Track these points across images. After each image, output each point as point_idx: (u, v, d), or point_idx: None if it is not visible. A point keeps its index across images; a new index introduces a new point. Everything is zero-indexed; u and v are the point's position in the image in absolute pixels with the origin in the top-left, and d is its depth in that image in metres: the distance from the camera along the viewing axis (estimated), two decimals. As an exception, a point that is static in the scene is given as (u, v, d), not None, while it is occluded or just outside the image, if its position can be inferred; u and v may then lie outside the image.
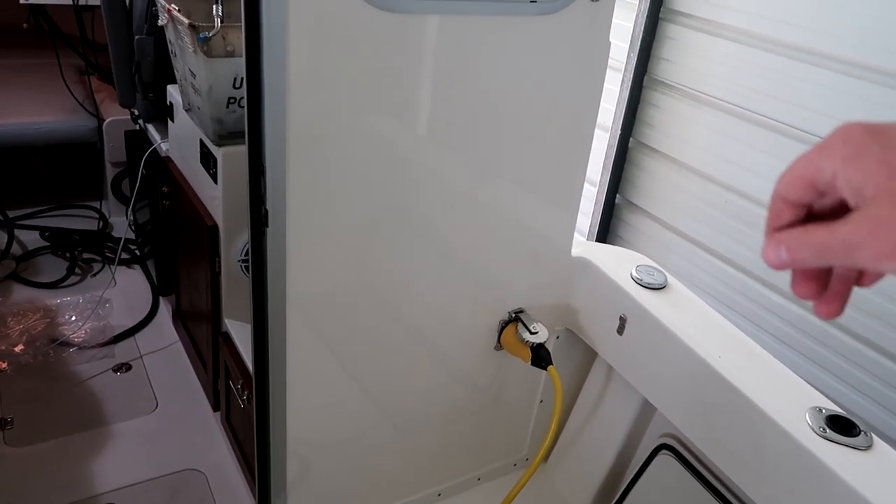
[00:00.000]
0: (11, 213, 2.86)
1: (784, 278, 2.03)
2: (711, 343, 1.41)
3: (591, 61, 1.40)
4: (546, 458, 1.88)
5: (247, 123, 1.12)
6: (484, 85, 1.30)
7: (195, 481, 1.88)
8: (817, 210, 0.45)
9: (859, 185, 0.39)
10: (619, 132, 2.42)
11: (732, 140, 2.10)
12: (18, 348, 2.26)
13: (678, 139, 2.29)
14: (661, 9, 2.26)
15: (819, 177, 0.42)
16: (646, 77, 2.35)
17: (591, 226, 2.59)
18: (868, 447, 1.17)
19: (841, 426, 1.20)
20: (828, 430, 1.19)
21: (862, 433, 1.19)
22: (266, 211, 1.16)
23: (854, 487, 1.10)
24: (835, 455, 1.16)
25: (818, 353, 1.95)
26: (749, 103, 2.04)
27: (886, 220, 0.38)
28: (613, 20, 1.39)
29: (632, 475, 1.63)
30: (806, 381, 1.35)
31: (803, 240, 0.42)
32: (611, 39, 1.41)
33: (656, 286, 1.56)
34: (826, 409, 1.24)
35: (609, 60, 1.42)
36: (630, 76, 2.34)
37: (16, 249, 2.75)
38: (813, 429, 1.20)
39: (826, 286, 0.47)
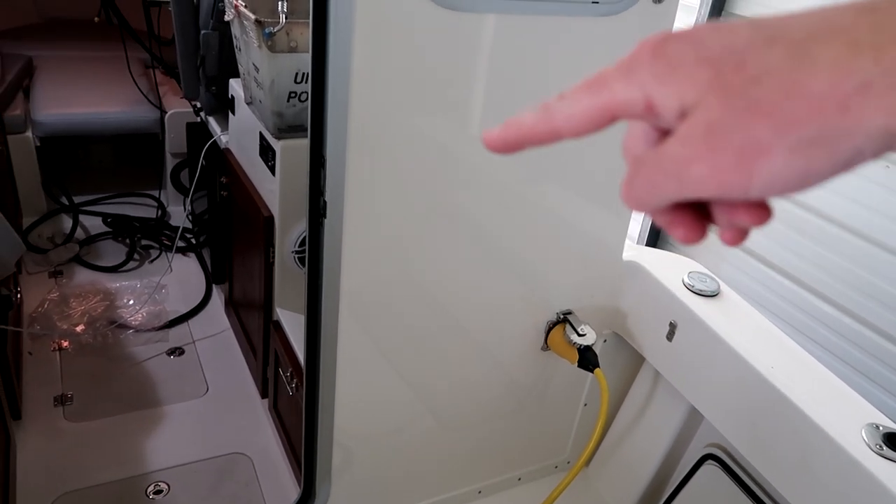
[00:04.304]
0: (76, 199, 2.99)
1: (842, 291, 1.97)
2: (764, 353, 1.38)
3: (650, 64, 1.39)
4: (588, 462, 1.87)
5: (310, 116, 1.15)
6: (541, 85, 1.30)
7: (242, 464, 1.93)
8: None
9: (681, 96, 0.30)
10: (673, 137, 2.39)
11: (792, 148, 2.06)
12: (80, 328, 2.35)
13: (735, 146, 2.25)
14: (722, 13, 2.22)
15: (624, 111, 0.33)
16: (704, 82, 2.32)
17: (641, 231, 2.56)
18: (927, 467, 1.14)
19: (899, 444, 1.17)
20: (884, 448, 1.16)
21: (921, 453, 1.16)
22: (325, 202, 1.19)
23: (911, 507, 1.07)
24: (892, 473, 1.12)
25: (874, 370, 1.89)
26: (811, 111, 1.99)
27: (721, 121, 0.29)
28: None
29: (675, 484, 1.61)
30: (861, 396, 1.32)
31: (633, 171, 0.33)
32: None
33: (709, 293, 1.54)
34: (883, 427, 1.21)
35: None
36: (687, 81, 2.30)
37: (79, 234, 2.87)
38: (869, 445, 1.17)
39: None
